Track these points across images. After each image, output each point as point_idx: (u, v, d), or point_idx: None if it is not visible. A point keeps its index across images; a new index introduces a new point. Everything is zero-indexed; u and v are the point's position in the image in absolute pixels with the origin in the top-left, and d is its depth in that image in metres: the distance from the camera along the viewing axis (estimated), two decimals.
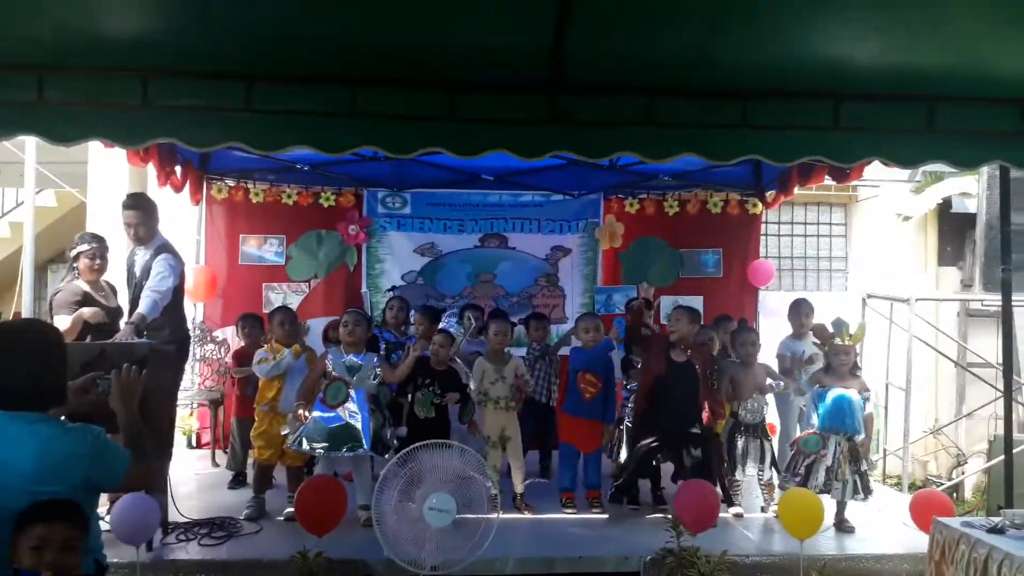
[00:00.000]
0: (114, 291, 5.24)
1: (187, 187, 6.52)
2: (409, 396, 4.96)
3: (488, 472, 4.92)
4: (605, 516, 4.98)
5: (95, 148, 6.52)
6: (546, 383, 5.68)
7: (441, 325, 5.18)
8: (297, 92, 3.64)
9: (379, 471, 4.97)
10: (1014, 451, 4.77)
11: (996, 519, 3.53)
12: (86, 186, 8.23)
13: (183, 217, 7.25)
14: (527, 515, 4.95)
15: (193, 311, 6.97)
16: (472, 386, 5.03)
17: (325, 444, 4.55)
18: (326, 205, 7.23)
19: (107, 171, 7.71)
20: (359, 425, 4.57)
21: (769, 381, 5.19)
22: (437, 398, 4.86)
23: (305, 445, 4.58)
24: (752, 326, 5.56)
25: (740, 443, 5.03)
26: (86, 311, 4.82)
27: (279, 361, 4.92)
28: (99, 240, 5.15)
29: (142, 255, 5.46)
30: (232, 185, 7.13)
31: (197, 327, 6.67)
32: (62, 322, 4.72)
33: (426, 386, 4.90)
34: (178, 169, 6.20)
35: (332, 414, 4.60)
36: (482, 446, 4.90)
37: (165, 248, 5.48)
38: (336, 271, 7.15)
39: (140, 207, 5.07)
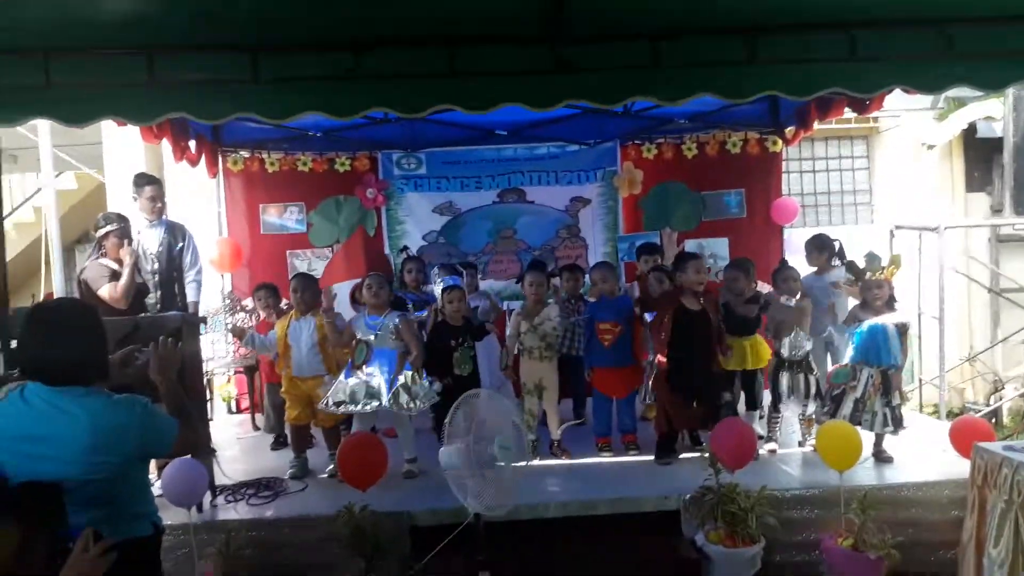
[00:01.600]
0: (138, 269, 5.33)
1: (203, 161, 6.55)
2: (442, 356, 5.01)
3: (526, 418, 5.02)
4: (642, 458, 5.01)
5: (109, 128, 6.53)
6: (581, 334, 5.64)
7: (439, 282, 5.19)
8: (302, 59, 3.63)
9: (419, 425, 5.10)
10: None
11: None
12: (103, 166, 8.28)
13: (202, 191, 7.31)
14: (564, 460, 5.00)
15: (221, 282, 7.06)
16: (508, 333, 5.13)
17: (348, 402, 4.64)
18: (342, 170, 7.22)
19: (122, 150, 7.75)
20: (376, 383, 4.64)
21: (784, 298, 5.12)
22: (472, 351, 4.90)
23: (333, 405, 4.67)
24: (789, 263, 5.49)
25: (785, 379, 5.02)
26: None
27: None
28: (124, 220, 5.26)
29: (155, 232, 5.59)
30: (247, 156, 7.14)
31: (226, 297, 6.75)
32: (108, 290, 4.86)
33: (460, 344, 4.94)
34: (192, 143, 6.22)
35: (357, 374, 4.70)
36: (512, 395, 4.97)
37: (180, 228, 5.68)
38: (354, 235, 7.16)
39: (159, 182, 5.17)
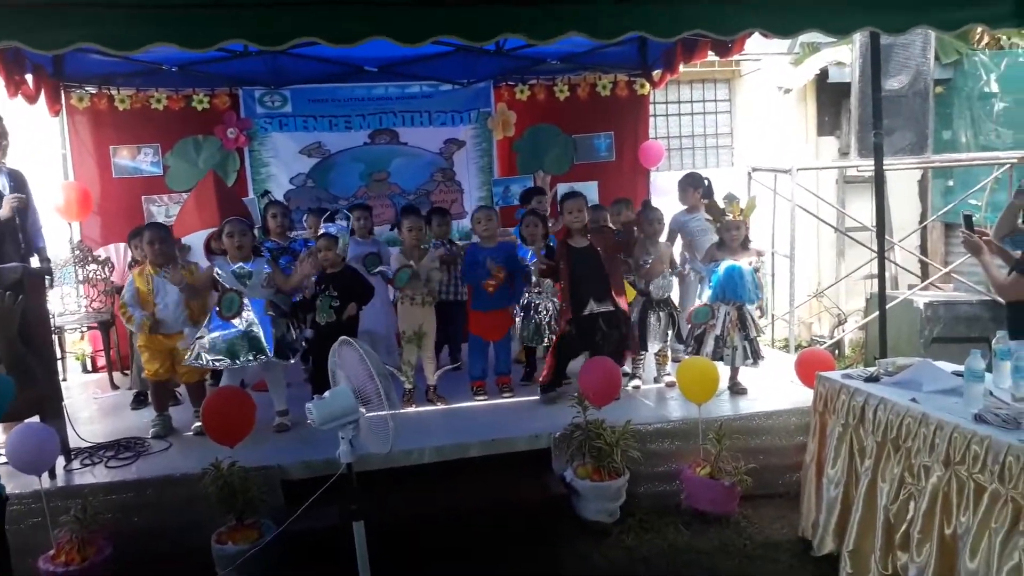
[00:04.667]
0: None
1: (42, 97, 6.01)
2: (309, 303, 4.89)
3: (404, 368, 5.01)
4: (515, 400, 5.12)
5: None
6: (453, 280, 5.63)
7: (322, 228, 5.03)
8: None
9: (290, 378, 4.99)
10: (887, 306, 5.14)
11: (871, 369, 3.83)
12: None
13: (42, 130, 6.72)
14: (440, 406, 5.05)
15: (69, 231, 6.57)
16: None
17: (224, 357, 4.48)
18: (200, 108, 6.80)
19: None
20: (260, 333, 4.50)
21: (685, 267, 5.35)
22: (334, 301, 4.79)
23: (204, 359, 4.49)
24: (654, 205, 5.68)
25: (651, 319, 5.22)
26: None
27: (135, 325, 4.70)
28: None
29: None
30: (94, 92, 6.60)
31: (76, 247, 6.29)
32: None
33: (322, 291, 4.82)
34: (29, 77, 5.70)
35: (230, 326, 4.51)
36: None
37: (20, 175, 5.28)
38: (205, 180, 6.74)
39: (1, 119, 4.73)
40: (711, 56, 6.55)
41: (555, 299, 5.36)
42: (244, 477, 3.77)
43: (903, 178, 8.86)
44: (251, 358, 4.50)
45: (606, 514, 4.16)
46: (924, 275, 8.01)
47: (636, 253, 5.23)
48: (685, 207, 6.19)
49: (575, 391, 4.47)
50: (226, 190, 6.64)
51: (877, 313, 5.13)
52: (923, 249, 8.69)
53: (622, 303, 5.02)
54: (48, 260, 5.53)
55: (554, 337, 5.19)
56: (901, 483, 3.22)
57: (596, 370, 4.44)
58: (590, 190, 7.39)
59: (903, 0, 3.98)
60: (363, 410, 2.88)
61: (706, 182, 6.13)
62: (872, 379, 3.68)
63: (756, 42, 5.13)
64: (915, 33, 6.04)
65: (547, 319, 5.41)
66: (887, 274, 5.38)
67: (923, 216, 8.95)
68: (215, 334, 4.52)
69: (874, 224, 5.45)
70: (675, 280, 5.32)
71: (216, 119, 6.83)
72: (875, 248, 5.46)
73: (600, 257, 4.97)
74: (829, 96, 9.45)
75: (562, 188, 7.18)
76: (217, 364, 4.55)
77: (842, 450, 3.67)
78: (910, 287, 7.76)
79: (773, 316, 7.66)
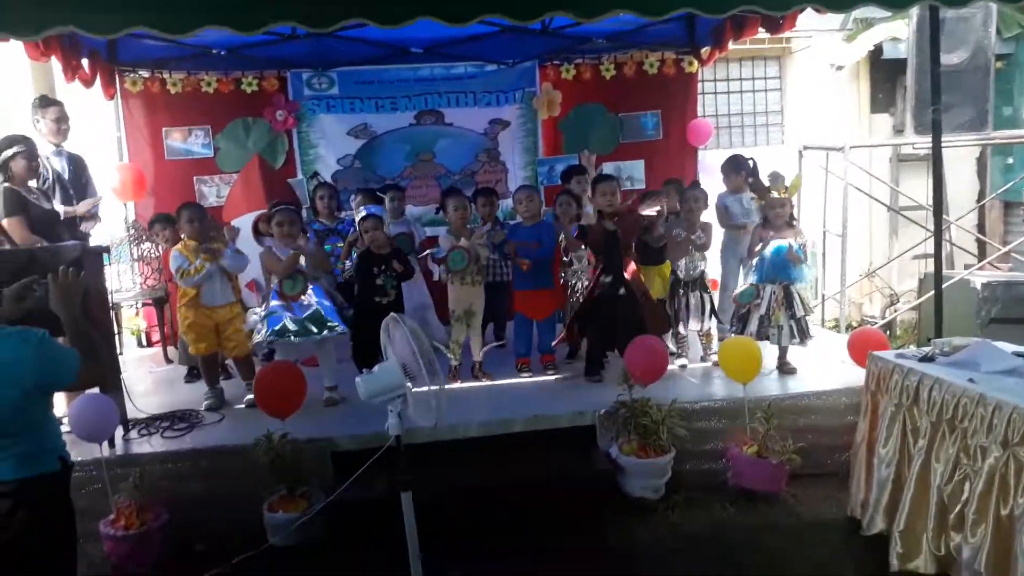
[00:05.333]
0: (44, 194, 5.05)
1: (98, 82, 6.15)
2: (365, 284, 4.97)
3: (451, 346, 5.05)
4: (559, 376, 5.13)
5: None
6: (498, 261, 5.62)
7: (362, 211, 5.08)
8: None
9: (339, 354, 5.08)
10: (943, 286, 5.01)
11: (926, 349, 3.74)
12: None
13: (99, 114, 6.89)
14: (485, 382, 5.09)
15: (124, 211, 6.75)
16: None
17: (297, 333, 4.59)
18: (249, 91, 6.89)
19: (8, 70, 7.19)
20: (323, 310, 4.65)
21: (676, 231, 5.20)
22: (395, 279, 4.88)
23: (273, 333, 4.59)
24: (699, 185, 5.62)
25: (681, 299, 5.19)
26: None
27: (200, 275, 4.72)
28: (30, 141, 4.91)
29: (60, 160, 5.35)
30: (147, 76, 6.74)
31: (131, 226, 6.46)
32: (14, 224, 4.60)
33: (383, 272, 4.88)
34: (85, 62, 5.83)
35: (294, 306, 4.64)
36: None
37: (81, 160, 5.46)
38: (251, 164, 6.84)
39: (62, 104, 4.88)
40: (761, 33, 6.40)
41: (588, 277, 5.33)
42: (295, 449, 3.86)
43: (961, 156, 8.60)
44: (328, 331, 4.65)
45: (651, 491, 4.15)
46: (981, 255, 7.78)
47: (661, 232, 5.19)
48: (728, 188, 6.07)
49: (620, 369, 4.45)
50: (272, 175, 6.81)
51: (931, 293, 5.02)
52: (980, 228, 8.44)
53: (637, 286, 4.97)
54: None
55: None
56: (956, 464, 3.16)
57: (642, 348, 4.43)
58: (636, 169, 7.33)
59: None
60: (410, 384, 2.91)
61: (750, 163, 6.01)
62: (927, 359, 3.60)
63: (807, 18, 4.99)
64: (976, 6, 5.83)
65: (580, 297, 5.39)
66: (942, 253, 5.23)
67: (981, 195, 8.70)
68: (284, 314, 4.61)
69: (930, 203, 5.31)
70: (702, 259, 5.22)
71: (265, 101, 6.92)
72: (930, 227, 5.32)
73: (620, 242, 4.94)
74: (883, 73, 9.20)
75: (608, 167, 7.14)
76: (288, 340, 4.61)
77: (894, 430, 3.61)
78: (966, 267, 7.55)
79: (823, 296, 7.54)
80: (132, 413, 4.47)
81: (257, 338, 4.67)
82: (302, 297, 4.67)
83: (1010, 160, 8.22)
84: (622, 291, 4.90)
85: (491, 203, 5.75)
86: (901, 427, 3.56)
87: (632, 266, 5.04)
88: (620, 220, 4.96)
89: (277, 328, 4.57)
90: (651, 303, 5.08)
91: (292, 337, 4.58)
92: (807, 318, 5.00)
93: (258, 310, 4.79)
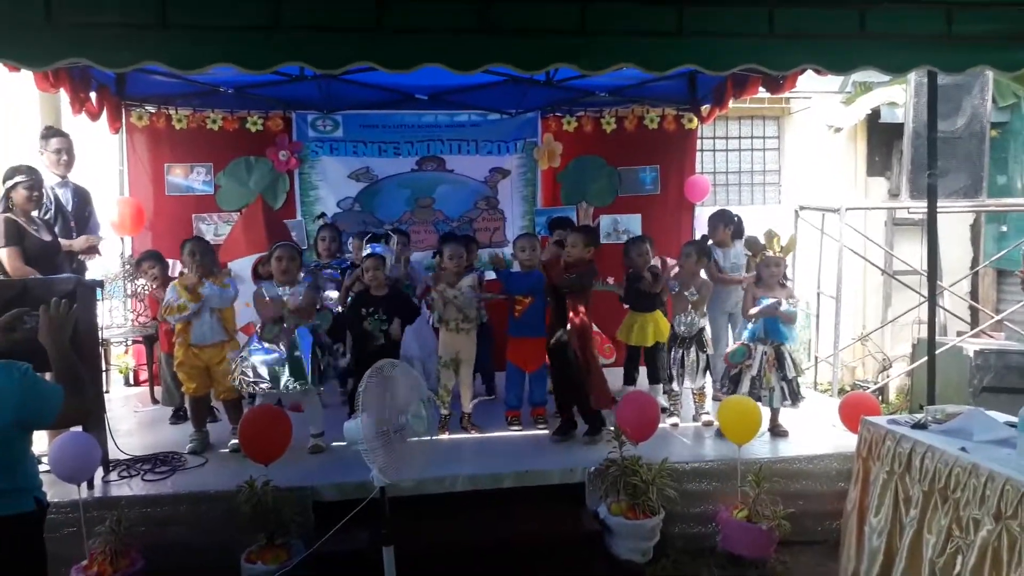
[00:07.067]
0: (47, 224, 5.04)
1: (104, 115, 6.20)
2: (354, 326, 4.92)
3: (440, 393, 5.00)
4: (549, 432, 5.07)
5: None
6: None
7: (367, 249, 5.05)
8: (216, 5, 3.40)
9: (326, 400, 5.01)
10: (936, 352, 5.00)
11: (919, 415, 3.71)
12: None
13: (103, 147, 6.93)
14: (474, 434, 5.02)
15: (121, 245, 6.75)
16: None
17: (266, 381, 4.52)
18: (253, 130, 6.97)
19: (15, 100, 7.24)
20: (302, 359, 4.54)
21: (672, 283, 5.26)
22: (384, 324, 4.82)
23: (248, 377, 4.53)
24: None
25: (677, 355, 5.16)
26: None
27: (183, 313, 4.68)
28: (34, 172, 4.91)
29: (65, 192, 5.38)
30: (153, 112, 6.81)
31: (126, 261, 6.44)
32: (9, 254, 4.57)
33: (371, 314, 4.85)
34: (93, 95, 5.88)
35: (271, 350, 4.56)
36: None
37: (85, 192, 5.49)
38: (254, 206, 6.88)
39: (66, 135, 4.91)
40: (761, 92, 6.49)
41: None
42: (277, 497, 3.78)
43: (954, 222, 8.68)
44: (292, 383, 4.53)
45: (639, 553, 4.07)
46: (974, 322, 7.78)
47: (649, 279, 5.31)
48: (713, 242, 6.11)
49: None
50: (273, 216, 6.83)
51: (924, 359, 5.00)
52: (973, 295, 8.47)
53: (584, 346, 4.86)
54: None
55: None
56: (948, 535, 3.11)
57: (633, 405, 4.38)
58: (633, 223, 7.37)
59: (962, 39, 3.89)
60: (403, 431, 2.87)
61: (736, 219, 6.09)
62: (920, 426, 3.56)
63: (807, 79, 5.08)
64: (972, 74, 5.93)
65: None
66: (936, 320, 5.23)
67: (974, 261, 8.74)
68: (257, 357, 4.56)
69: (924, 268, 5.32)
70: (701, 316, 5.21)
71: (269, 141, 6.98)
72: (923, 293, 5.33)
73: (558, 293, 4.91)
74: (880, 136, 9.33)
75: (605, 220, 7.18)
76: (259, 386, 4.56)
77: (886, 498, 3.55)
78: (959, 334, 7.55)
79: (816, 358, 7.51)
80: (114, 454, 4.39)
81: (232, 375, 4.60)
82: (281, 346, 4.58)
83: (1004, 228, 8.28)
84: (564, 337, 4.83)
85: (471, 251, 5.70)
86: (893, 496, 3.51)
87: (582, 316, 4.87)
88: (547, 271, 4.97)
89: (245, 367, 4.52)
90: (596, 370, 4.91)
91: (260, 385, 4.51)
92: (798, 379, 4.98)
93: (244, 352, 4.72)
